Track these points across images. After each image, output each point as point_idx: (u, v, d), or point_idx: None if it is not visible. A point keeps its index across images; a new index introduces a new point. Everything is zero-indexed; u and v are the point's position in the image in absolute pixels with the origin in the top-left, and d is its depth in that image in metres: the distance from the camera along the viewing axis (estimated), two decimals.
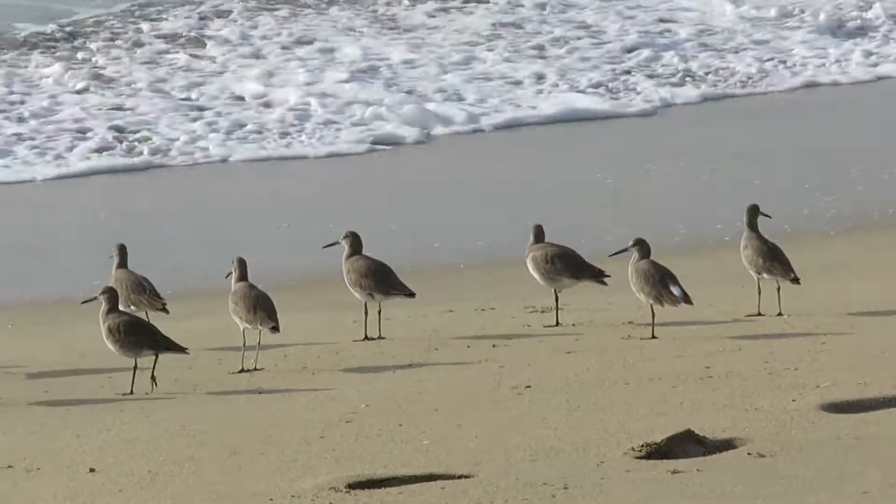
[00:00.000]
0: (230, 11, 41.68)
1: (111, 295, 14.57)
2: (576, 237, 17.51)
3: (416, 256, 19.09)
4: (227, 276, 15.26)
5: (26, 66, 37.33)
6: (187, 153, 31.10)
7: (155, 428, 13.70)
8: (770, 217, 16.35)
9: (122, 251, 15.83)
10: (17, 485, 12.50)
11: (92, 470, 12.59)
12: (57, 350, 15.48)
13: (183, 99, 35.38)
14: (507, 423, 13.29)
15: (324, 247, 16.28)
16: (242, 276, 15.17)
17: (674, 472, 12.09)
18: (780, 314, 15.80)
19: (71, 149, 31.12)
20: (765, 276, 15.85)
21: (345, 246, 15.77)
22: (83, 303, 14.87)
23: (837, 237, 19.39)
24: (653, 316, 15.49)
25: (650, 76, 37.77)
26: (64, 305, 16.67)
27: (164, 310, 15.35)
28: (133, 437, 13.44)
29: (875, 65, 38.76)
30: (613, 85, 37.05)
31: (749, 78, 37.33)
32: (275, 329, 14.94)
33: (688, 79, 37.45)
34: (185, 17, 41.63)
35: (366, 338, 15.58)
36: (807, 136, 28.92)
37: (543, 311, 16.13)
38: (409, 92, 36.76)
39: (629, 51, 39.98)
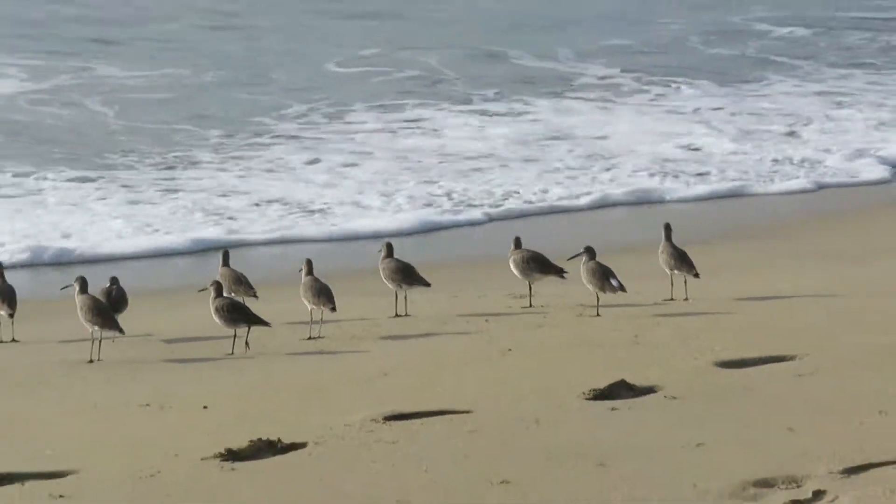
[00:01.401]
0: None
1: (217, 286, 14.65)
2: None
3: None
4: (298, 272, 15.30)
5: None
6: None
7: (247, 378, 13.76)
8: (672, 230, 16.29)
9: (225, 255, 15.92)
10: (153, 417, 12.52)
11: (205, 407, 12.63)
12: (182, 324, 15.43)
13: None
14: (495, 376, 13.34)
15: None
16: (309, 272, 15.20)
17: (612, 409, 12.15)
18: (686, 299, 15.83)
19: None
20: (675, 272, 15.86)
21: (383, 252, 15.79)
22: (199, 291, 14.90)
23: (725, 244, 19.27)
24: (597, 300, 15.50)
25: None
26: (185, 293, 16.54)
27: (255, 296, 15.37)
28: (233, 384, 13.49)
29: None
30: None
31: None
32: (332, 309, 14.98)
33: None
34: None
35: (396, 315, 15.56)
36: None
37: (521, 297, 16.08)
38: None
39: None
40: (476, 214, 21.63)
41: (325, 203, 22.33)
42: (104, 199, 22.20)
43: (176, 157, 24.27)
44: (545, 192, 22.66)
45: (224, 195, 22.44)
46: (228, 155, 24.65)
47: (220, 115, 26.59)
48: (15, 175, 22.97)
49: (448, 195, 22.84)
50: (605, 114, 27.87)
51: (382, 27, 32.91)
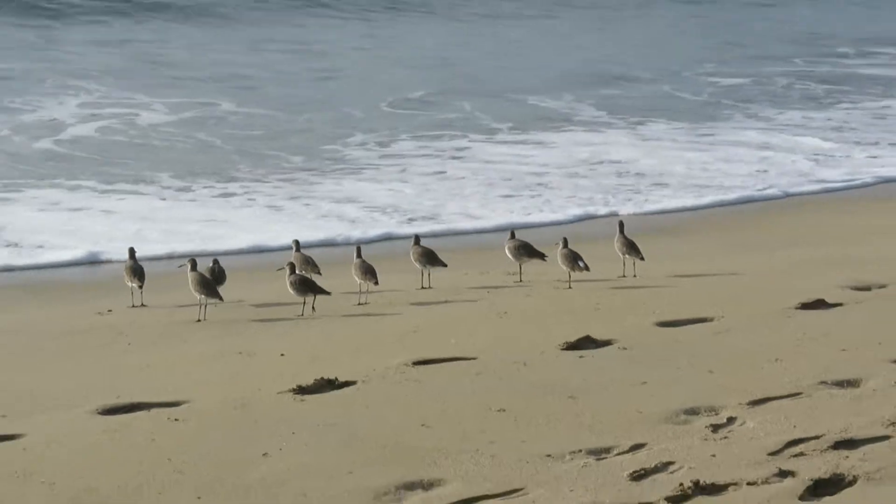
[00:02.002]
0: None
1: (291, 265, 14.71)
2: None
3: None
4: (357, 256, 15.32)
5: None
6: None
7: (313, 332, 13.89)
8: (624, 225, 16.30)
9: (296, 244, 15.93)
10: (243, 362, 12.63)
11: (282, 354, 12.73)
12: (265, 294, 15.45)
13: None
14: (494, 332, 13.48)
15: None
16: (359, 255, 15.23)
17: (580, 356, 12.26)
18: (634, 276, 15.86)
19: None
20: (627, 256, 15.91)
21: (413, 243, 15.83)
22: (277, 270, 14.93)
23: (667, 235, 19.27)
24: (569, 277, 15.58)
25: None
26: (267, 272, 16.53)
27: (318, 273, 15.42)
28: (302, 337, 13.63)
29: None
30: None
31: None
32: (375, 283, 15.06)
33: None
34: None
35: (422, 287, 15.64)
36: None
37: (513, 274, 16.10)
38: None
39: None
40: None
41: (414, 207, 21.83)
42: (248, 205, 21.79)
43: (279, 175, 23.86)
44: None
45: (336, 202, 22.00)
46: (320, 172, 24.19)
47: (304, 144, 26.18)
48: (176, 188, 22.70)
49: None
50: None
51: (429, 76, 32.56)
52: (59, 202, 21.20)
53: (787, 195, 22.36)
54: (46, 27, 41.70)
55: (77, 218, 20.29)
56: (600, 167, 24.64)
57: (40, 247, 18.46)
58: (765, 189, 22.67)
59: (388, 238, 19.68)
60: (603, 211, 21.27)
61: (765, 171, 24.20)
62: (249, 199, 21.96)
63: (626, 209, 21.17)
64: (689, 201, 21.83)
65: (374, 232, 19.87)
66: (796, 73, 34.02)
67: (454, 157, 25.28)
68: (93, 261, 17.86)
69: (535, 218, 20.87)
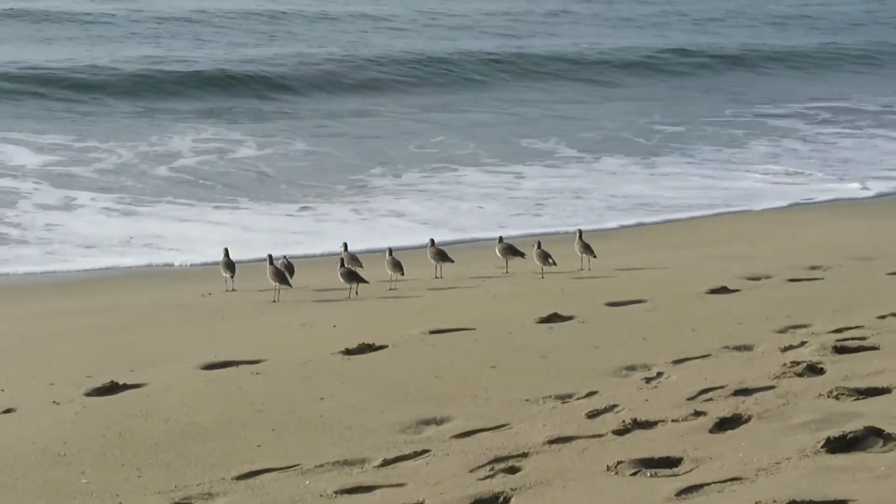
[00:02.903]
0: None
1: (341, 260, 14.65)
2: None
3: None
4: (388, 255, 15.16)
5: None
6: None
7: (357, 310, 13.77)
8: (582, 232, 16.09)
9: (345, 246, 15.73)
10: (306, 331, 12.58)
11: (334, 326, 12.67)
12: (322, 281, 15.38)
13: None
14: (488, 309, 13.37)
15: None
16: (390, 253, 15.15)
17: (550, 328, 12.16)
18: (589, 269, 15.74)
19: None
20: (584, 255, 15.82)
21: (429, 245, 15.72)
22: (341, 272, 14.76)
23: (616, 236, 19.16)
24: (542, 270, 15.48)
25: None
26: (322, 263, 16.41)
27: (361, 266, 15.30)
28: (349, 313, 13.55)
29: None
30: None
31: None
32: (402, 274, 14.97)
33: None
34: None
35: (436, 277, 15.55)
36: None
37: (501, 268, 16.00)
38: None
39: None
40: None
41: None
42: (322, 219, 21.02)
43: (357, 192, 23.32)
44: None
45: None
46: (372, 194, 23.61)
47: (357, 175, 25.63)
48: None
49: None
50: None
51: (442, 127, 32.40)
52: (180, 216, 21.09)
53: (702, 215, 22.02)
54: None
55: (191, 228, 20.18)
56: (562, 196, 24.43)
57: (168, 249, 18.39)
58: (689, 209, 22.29)
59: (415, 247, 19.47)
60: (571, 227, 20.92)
61: (689, 197, 23.82)
62: (322, 214, 21.56)
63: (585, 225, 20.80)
64: (632, 220, 21.38)
65: (412, 240, 19.40)
66: (721, 122, 33.91)
67: (458, 184, 25.20)
68: (198, 262, 17.65)
69: (519, 231, 20.61)
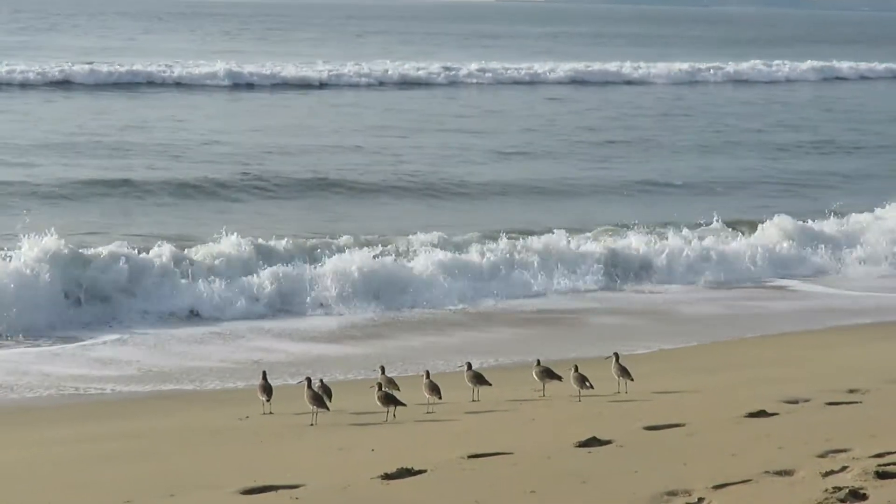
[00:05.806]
0: None
1: (379, 385, 14.52)
2: None
3: None
4: (426, 378, 15.09)
5: None
6: None
7: (395, 433, 13.54)
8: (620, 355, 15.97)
9: (382, 369, 15.66)
10: (343, 455, 12.45)
11: (372, 450, 12.54)
12: (362, 403, 15.22)
13: None
14: (526, 432, 13.18)
15: None
16: (427, 377, 15.02)
17: (589, 452, 11.96)
18: (626, 392, 15.57)
19: None
20: (621, 378, 15.61)
21: (466, 367, 15.63)
22: (370, 387, 14.71)
23: (644, 360, 18.94)
24: (579, 393, 15.30)
25: None
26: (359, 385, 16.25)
27: (398, 389, 15.07)
28: (387, 437, 13.35)
29: None
30: None
31: None
32: (439, 398, 14.70)
33: None
34: None
35: (472, 400, 15.36)
36: None
37: (538, 391, 15.90)
38: None
39: None
40: None
41: None
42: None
43: None
44: None
45: None
46: None
47: None
48: None
49: None
50: None
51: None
52: None
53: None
54: None
55: None
56: None
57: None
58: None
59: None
60: None
61: None
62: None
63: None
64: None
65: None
66: None
67: None
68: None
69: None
